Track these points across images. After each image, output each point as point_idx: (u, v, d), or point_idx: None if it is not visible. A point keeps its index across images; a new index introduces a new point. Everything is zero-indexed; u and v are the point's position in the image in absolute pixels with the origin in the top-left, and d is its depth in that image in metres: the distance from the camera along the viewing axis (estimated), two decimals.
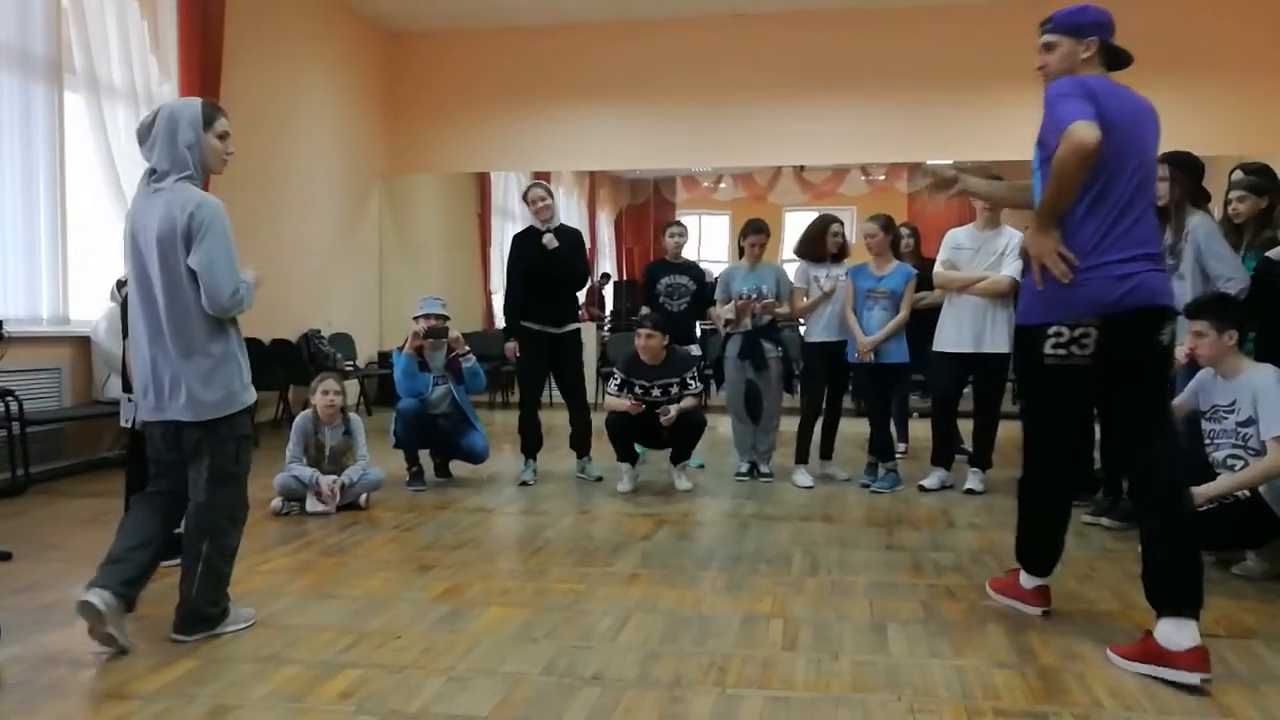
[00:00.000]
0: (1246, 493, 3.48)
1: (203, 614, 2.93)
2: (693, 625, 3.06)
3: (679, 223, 6.21)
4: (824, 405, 5.59)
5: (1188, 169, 4.13)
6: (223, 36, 6.71)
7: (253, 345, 7.25)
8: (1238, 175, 4.21)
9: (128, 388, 3.69)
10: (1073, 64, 2.86)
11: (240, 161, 7.27)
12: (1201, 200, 4.13)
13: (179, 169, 2.84)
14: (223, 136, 2.95)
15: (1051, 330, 2.77)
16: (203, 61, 6.52)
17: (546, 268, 5.36)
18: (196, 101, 2.93)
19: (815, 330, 5.49)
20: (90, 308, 5.88)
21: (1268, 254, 3.89)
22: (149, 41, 6.28)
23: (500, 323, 11.49)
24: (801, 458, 5.54)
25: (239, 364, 2.94)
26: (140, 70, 6.19)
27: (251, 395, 2.98)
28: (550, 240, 5.31)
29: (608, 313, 12.54)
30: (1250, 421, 3.52)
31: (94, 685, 2.59)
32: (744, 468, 5.65)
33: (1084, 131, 2.57)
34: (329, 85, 8.72)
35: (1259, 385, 3.49)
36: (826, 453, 5.75)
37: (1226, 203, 4.16)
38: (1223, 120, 8.25)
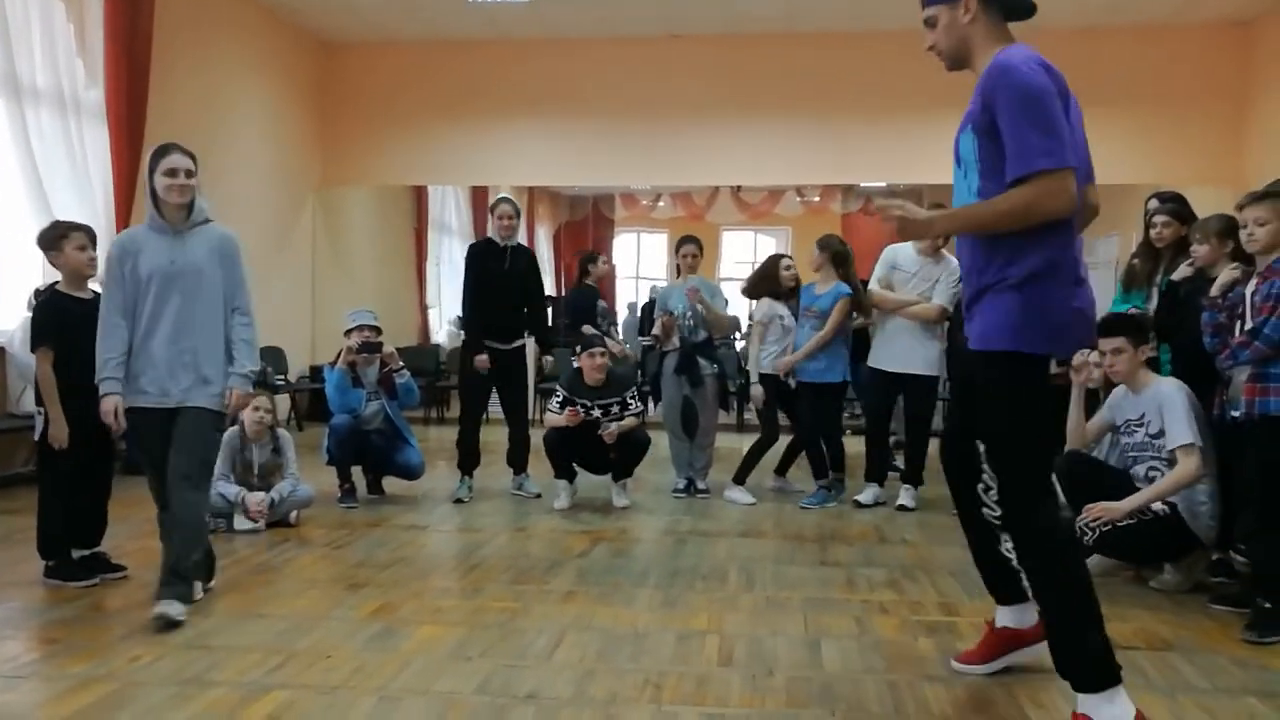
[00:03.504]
0: (1165, 508, 3.60)
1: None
2: (628, 643, 3.05)
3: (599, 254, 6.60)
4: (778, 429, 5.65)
5: None
6: (151, 42, 6.54)
7: None
8: (1154, 204, 4.37)
9: (39, 401, 3.58)
10: (960, 33, 2.43)
11: None
12: None
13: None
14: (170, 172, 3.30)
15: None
16: (130, 67, 6.34)
17: (503, 284, 5.37)
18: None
19: (766, 362, 5.52)
20: (5, 318, 5.66)
21: (1171, 276, 4.07)
22: (75, 45, 6.10)
23: (436, 337, 11.46)
24: (740, 479, 5.56)
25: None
26: (67, 74, 6.00)
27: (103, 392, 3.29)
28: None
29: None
30: (1161, 433, 3.65)
31: (1, 712, 2.48)
32: (681, 484, 5.66)
33: (1069, 196, 2.23)
34: (261, 94, 8.57)
35: (1164, 397, 3.63)
36: (783, 469, 5.85)
37: (1150, 226, 4.31)
38: (1136, 150, 8.60)
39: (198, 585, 3.38)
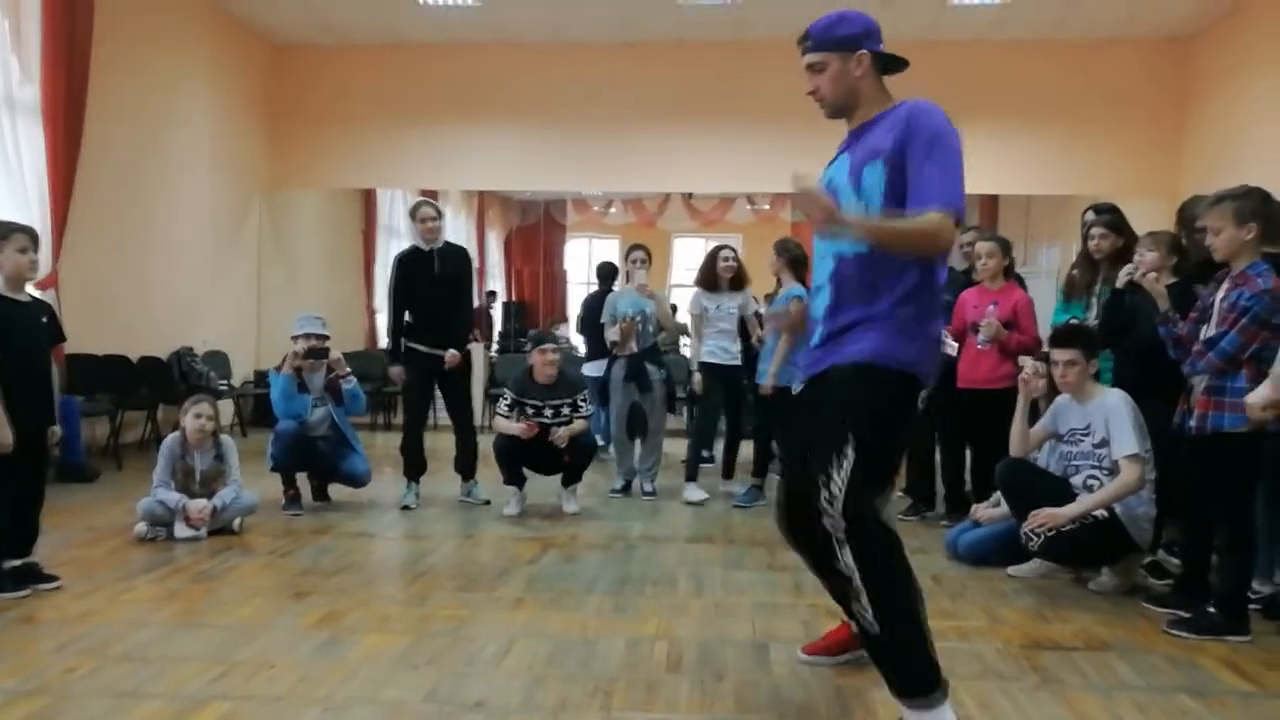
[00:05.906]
0: (1105, 513, 3.69)
1: None
2: (578, 649, 3.05)
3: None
4: (720, 426, 5.75)
5: None
6: (91, 38, 6.39)
7: (119, 363, 6.91)
8: (1092, 215, 4.49)
9: None
10: (849, 84, 2.49)
11: (110, 170, 6.94)
12: None
13: None
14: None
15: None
16: (69, 64, 6.19)
17: (433, 289, 5.30)
18: None
19: (706, 352, 5.61)
20: None
21: (1117, 284, 4.17)
22: (10, 41, 5.93)
23: (383, 342, 11.32)
24: (691, 475, 5.64)
25: None
26: (0, 70, 5.83)
27: None
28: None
29: (496, 333, 12.42)
30: (1105, 443, 3.76)
31: None
32: (619, 484, 5.81)
33: (952, 241, 2.38)
34: (207, 93, 8.41)
35: (1111, 408, 3.75)
36: (728, 473, 5.92)
37: (1089, 238, 4.42)
38: (1076, 163, 8.83)
39: None
